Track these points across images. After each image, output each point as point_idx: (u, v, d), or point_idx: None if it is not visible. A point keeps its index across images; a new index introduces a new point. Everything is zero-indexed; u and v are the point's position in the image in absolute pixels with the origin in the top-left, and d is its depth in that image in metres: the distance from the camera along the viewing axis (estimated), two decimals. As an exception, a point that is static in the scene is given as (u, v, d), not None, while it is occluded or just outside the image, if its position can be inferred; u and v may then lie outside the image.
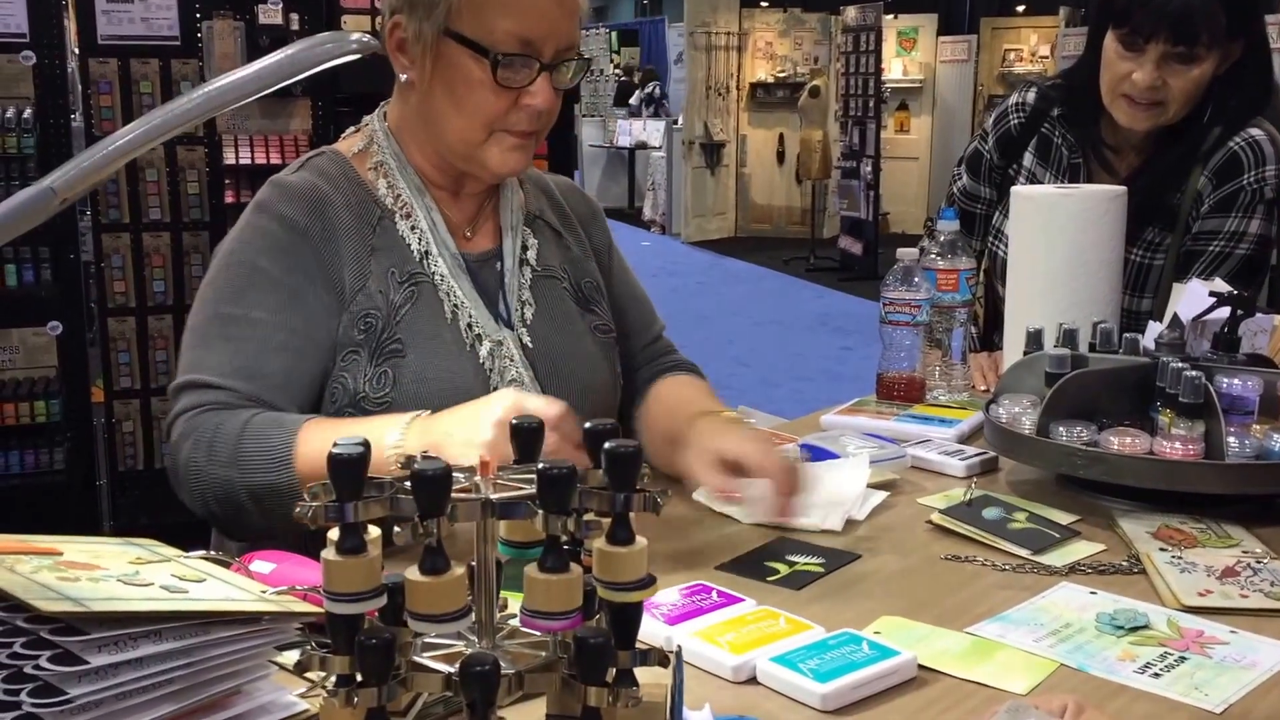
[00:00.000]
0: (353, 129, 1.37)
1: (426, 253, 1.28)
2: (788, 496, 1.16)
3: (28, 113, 3.03)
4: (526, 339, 1.31)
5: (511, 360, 1.28)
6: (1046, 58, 10.36)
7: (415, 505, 0.69)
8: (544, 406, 1.07)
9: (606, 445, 0.71)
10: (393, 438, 1.09)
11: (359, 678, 0.69)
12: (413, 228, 1.29)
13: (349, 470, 0.69)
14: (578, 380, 1.33)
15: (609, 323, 1.42)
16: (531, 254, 1.36)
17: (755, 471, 1.16)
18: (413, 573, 0.70)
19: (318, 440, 1.11)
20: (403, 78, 1.27)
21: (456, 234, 1.32)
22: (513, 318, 1.32)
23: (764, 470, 1.16)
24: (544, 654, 0.74)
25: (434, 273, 1.28)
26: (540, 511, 0.70)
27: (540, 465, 0.70)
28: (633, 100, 12.43)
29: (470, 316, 1.28)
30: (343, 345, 1.23)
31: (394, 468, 1.06)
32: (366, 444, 0.70)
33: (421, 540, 0.69)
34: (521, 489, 0.73)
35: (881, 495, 1.28)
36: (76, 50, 3.21)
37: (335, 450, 0.69)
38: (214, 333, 1.21)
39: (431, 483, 0.69)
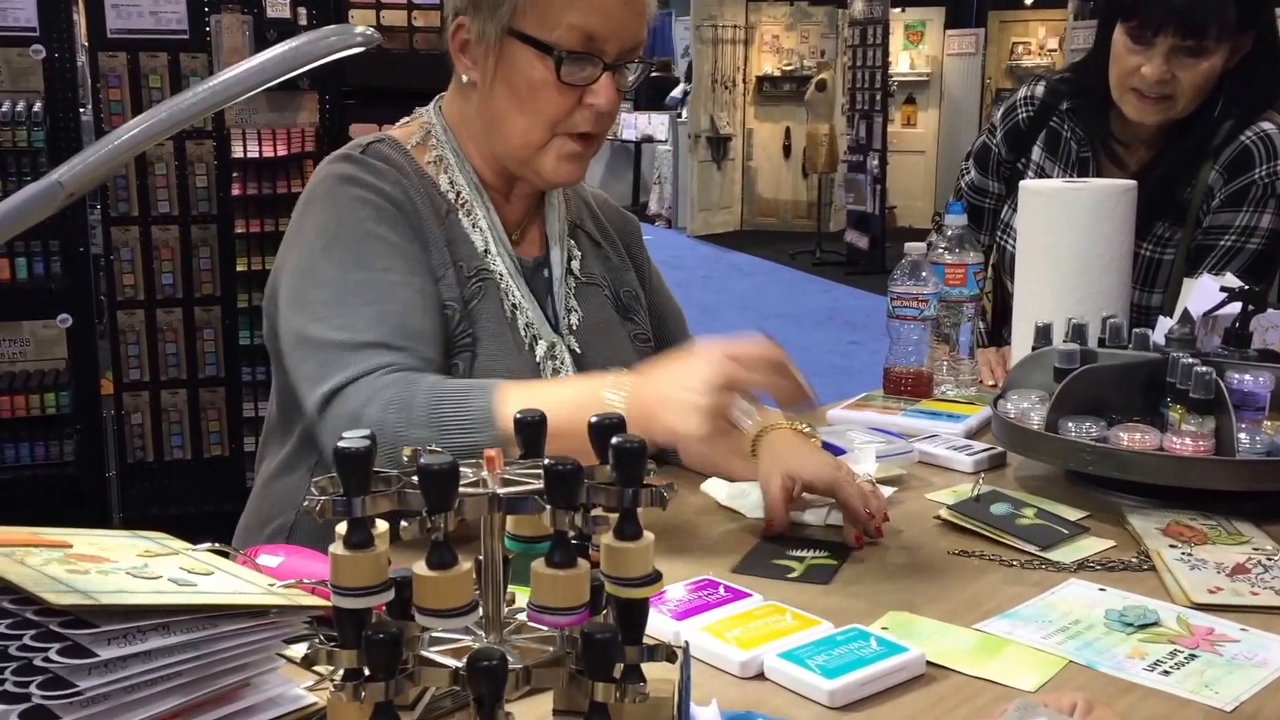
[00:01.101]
0: (406, 119, 1.36)
1: (487, 250, 1.29)
2: (864, 524, 1.14)
3: (37, 106, 3.04)
4: (574, 345, 1.32)
5: (564, 364, 1.29)
6: (1055, 51, 10.32)
7: (423, 500, 0.69)
8: (749, 347, 1.03)
9: (614, 440, 0.71)
10: (610, 397, 1.05)
11: (366, 672, 0.69)
12: (474, 225, 1.29)
13: (356, 464, 0.68)
14: None
15: (647, 332, 1.43)
16: (576, 264, 1.37)
17: (838, 500, 1.15)
18: (420, 567, 0.69)
19: (518, 401, 1.07)
20: (465, 79, 1.27)
21: (509, 236, 1.33)
22: (560, 325, 1.33)
23: (845, 502, 1.14)
24: (551, 649, 0.73)
25: (496, 271, 1.28)
26: (548, 506, 0.70)
27: (547, 461, 0.70)
28: (675, 93, 12.22)
29: (528, 317, 1.29)
30: None
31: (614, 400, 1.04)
32: (372, 438, 0.70)
33: (429, 536, 0.69)
34: (529, 483, 0.73)
35: (888, 491, 1.28)
36: (86, 44, 3.21)
37: (341, 445, 0.68)
38: (352, 300, 1.18)
39: (439, 477, 0.68)
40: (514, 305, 1.28)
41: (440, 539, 0.69)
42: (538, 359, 1.28)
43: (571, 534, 0.71)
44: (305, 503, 0.70)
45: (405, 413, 1.11)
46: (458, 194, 1.29)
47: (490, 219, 1.30)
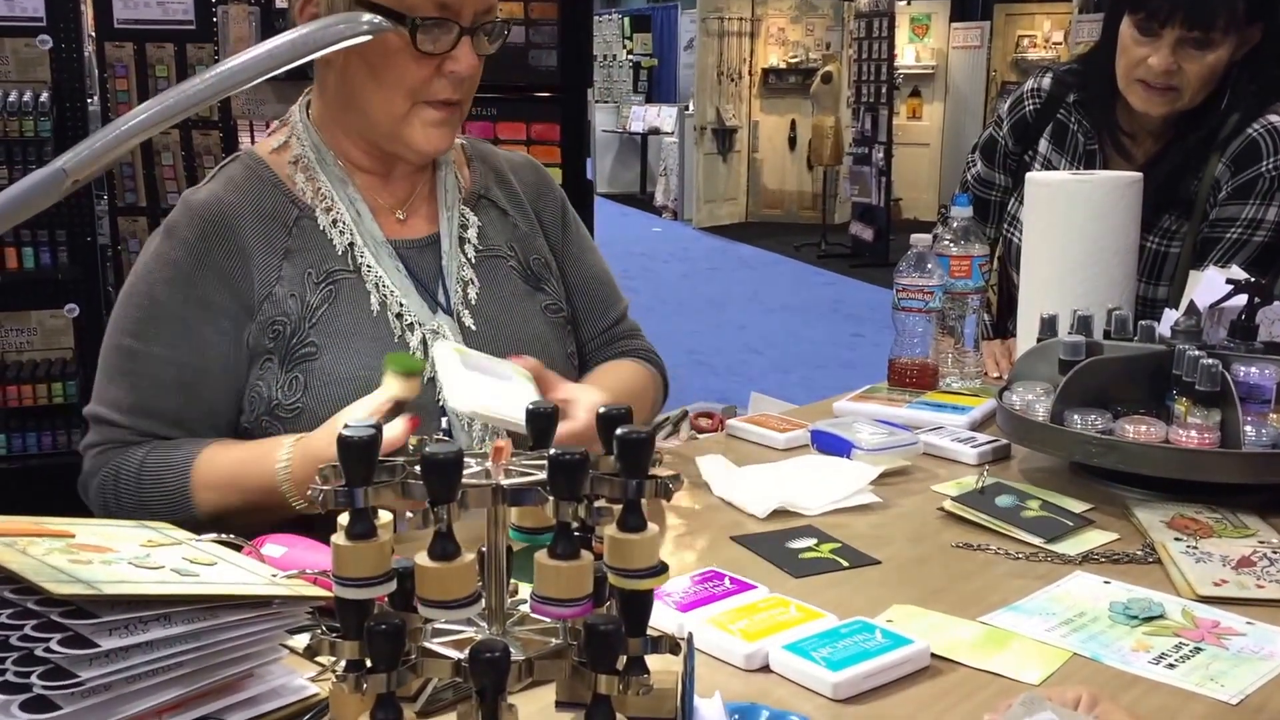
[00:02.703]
0: (279, 122, 1.34)
1: (351, 244, 1.25)
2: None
3: (45, 96, 3.04)
4: (469, 321, 1.28)
5: None
6: (1060, 44, 10.28)
7: (426, 491, 0.69)
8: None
9: (618, 431, 0.71)
10: (282, 456, 1.11)
11: (369, 663, 0.68)
12: (334, 221, 1.25)
13: (360, 454, 0.68)
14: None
15: (559, 301, 1.38)
16: (472, 233, 1.33)
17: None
18: (423, 558, 0.69)
19: (209, 476, 1.16)
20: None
21: (387, 219, 1.29)
22: (452, 301, 1.28)
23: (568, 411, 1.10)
24: (554, 641, 0.73)
25: (361, 264, 1.25)
26: (551, 498, 0.70)
27: (552, 451, 0.70)
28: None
29: (401, 305, 1.24)
30: (256, 355, 1.21)
31: (286, 488, 1.11)
32: (378, 426, 0.69)
33: (432, 527, 0.69)
34: (533, 475, 0.73)
35: (870, 497, 1.25)
36: (93, 34, 3.21)
37: (345, 433, 0.68)
38: (115, 365, 1.22)
39: (442, 468, 0.68)
40: (384, 296, 1.24)
41: (443, 530, 0.69)
42: (411, 349, 1.23)
43: (575, 525, 0.71)
44: (309, 492, 0.70)
45: (115, 494, 1.19)
46: (317, 191, 1.26)
47: (355, 210, 1.26)
